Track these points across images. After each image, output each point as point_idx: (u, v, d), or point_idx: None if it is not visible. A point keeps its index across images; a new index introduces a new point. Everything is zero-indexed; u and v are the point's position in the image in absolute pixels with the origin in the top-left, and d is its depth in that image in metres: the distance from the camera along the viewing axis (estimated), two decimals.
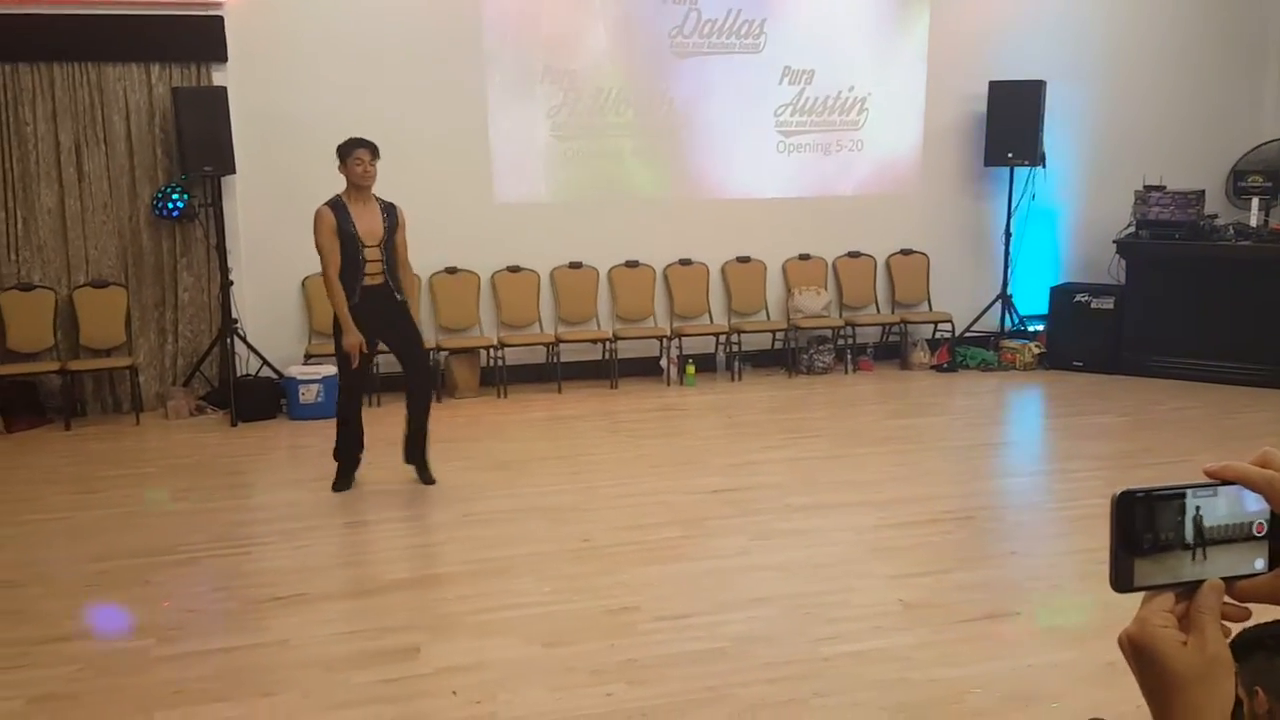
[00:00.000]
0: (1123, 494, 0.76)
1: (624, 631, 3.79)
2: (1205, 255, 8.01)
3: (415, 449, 5.58)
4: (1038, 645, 3.70)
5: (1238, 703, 1.98)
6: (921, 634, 3.76)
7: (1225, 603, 0.77)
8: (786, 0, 8.28)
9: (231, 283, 7.24)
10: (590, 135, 8.04)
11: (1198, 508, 0.76)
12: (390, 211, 5.38)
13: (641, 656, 3.59)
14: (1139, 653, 0.75)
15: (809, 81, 8.43)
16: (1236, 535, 0.77)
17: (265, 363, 7.38)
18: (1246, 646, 1.98)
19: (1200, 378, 7.80)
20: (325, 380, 7.06)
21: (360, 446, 5.57)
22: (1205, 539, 0.76)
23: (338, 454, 5.55)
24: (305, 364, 7.27)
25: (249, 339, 7.37)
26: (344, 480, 5.52)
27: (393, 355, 5.67)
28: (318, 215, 5.25)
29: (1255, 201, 8.32)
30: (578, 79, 7.93)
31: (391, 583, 4.28)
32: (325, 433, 6.72)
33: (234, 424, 6.97)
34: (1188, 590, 0.76)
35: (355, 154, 5.22)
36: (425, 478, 5.58)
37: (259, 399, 7.14)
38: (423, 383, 5.61)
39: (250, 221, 7.44)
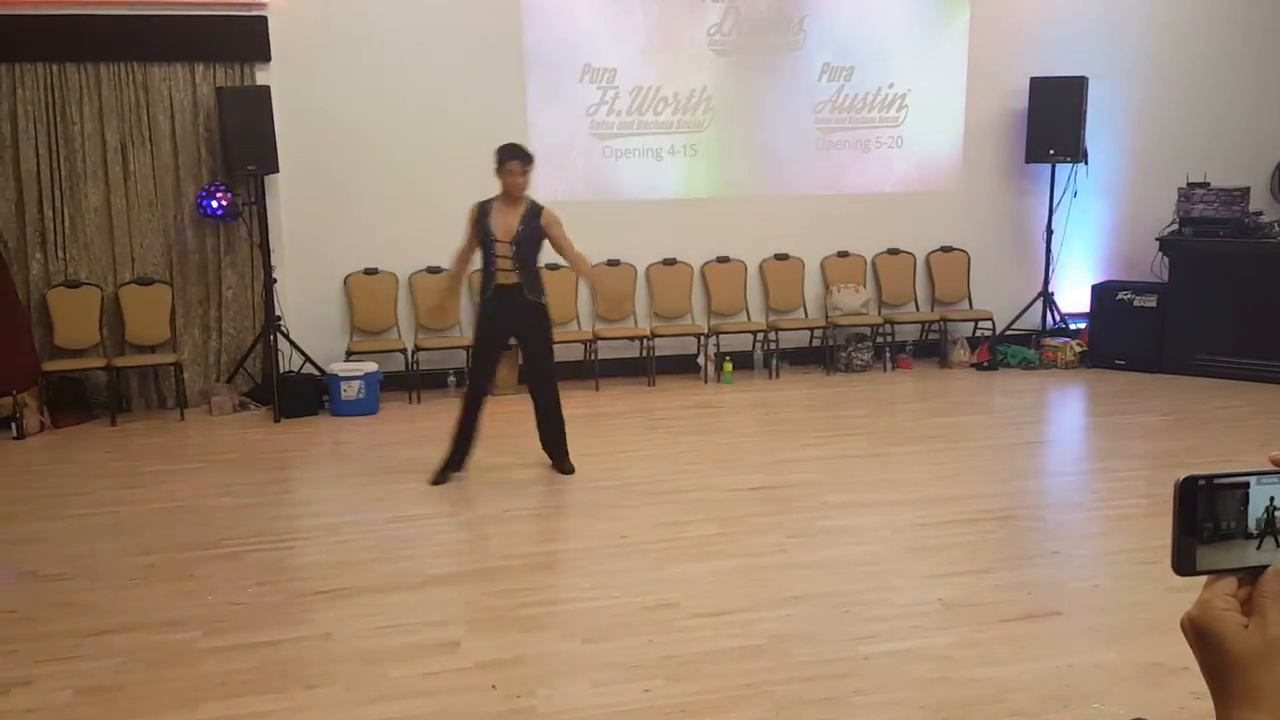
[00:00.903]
0: (1185, 480, 0.76)
1: (662, 628, 3.80)
2: (1250, 253, 7.89)
3: (547, 443, 5.81)
4: (1079, 645, 3.67)
5: None
6: (961, 633, 3.74)
7: None
8: None
9: (275, 280, 7.33)
10: (629, 133, 8.06)
11: (1271, 498, 0.76)
12: (535, 213, 5.56)
13: (680, 653, 3.61)
14: (1200, 634, 0.76)
15: (848, 78, 8.39)
16: None
17: (308, 359, 7.47)
18: None
19: (1245, 377, 7.69)
20: (367, 377, 7.15)
21: (470, 443, 5.65)
22: (1272, 527, 0.76)
23: (452, 452, 5.64)
24: (347, 361, 7.35)
25: (292, 336, 7.46)
26: (444, 474, 5.60)
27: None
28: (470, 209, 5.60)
29: None
30: (617, 77, 7.95)
31: (432, 577, 4.33)
32: (367, 428, 6.85)
33: (277, 420, 7.06)
34: (1251, 575, 0.76)
35: (508, 165, 5.48)
36: (561, 468, 5.76)
37: (302, 396, 7.22)
38: (538, 387, 5.77)
39: (293, 219, 7.53)
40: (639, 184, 8.14)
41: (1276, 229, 7.97)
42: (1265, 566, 0.76)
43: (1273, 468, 0.77)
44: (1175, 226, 8.24)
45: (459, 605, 4.04)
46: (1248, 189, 8.17)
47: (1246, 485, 0.76)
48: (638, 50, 7.98)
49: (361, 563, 4.52)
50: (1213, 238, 8.02)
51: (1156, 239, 8.30)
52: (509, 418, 7.11)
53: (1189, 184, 8.22)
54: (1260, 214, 8.21)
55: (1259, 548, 0.76)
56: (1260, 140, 9.01)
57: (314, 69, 7.42)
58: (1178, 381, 7.75)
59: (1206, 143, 8.73)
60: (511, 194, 5.50)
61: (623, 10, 7.93)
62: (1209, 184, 8.17)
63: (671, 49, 8.04)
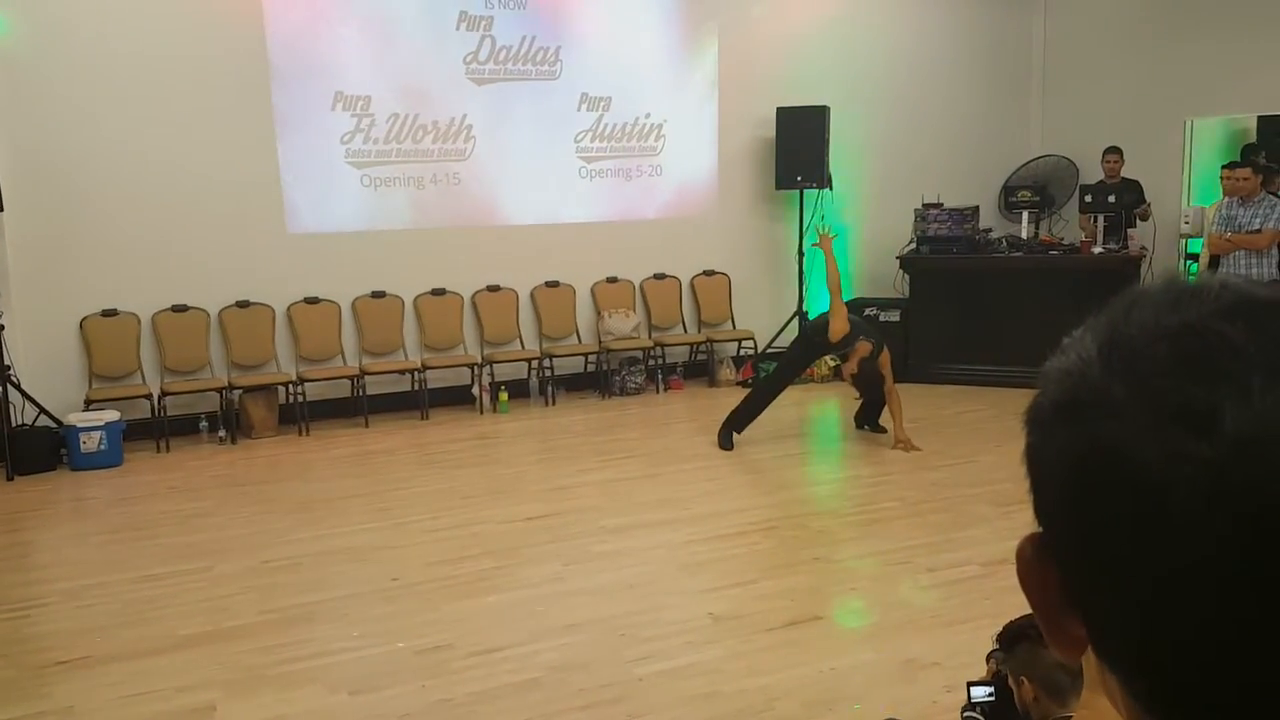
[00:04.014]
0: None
1: (435, 671, 3.71)
2: (981, 267, 8.55)
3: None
4: (839, 648, 3.84)
5: (1008, 689, 2.11)
6: (730, 645, 3.84)
7: None
8: (580, 28, 8.39)
9: (1, 326, 6.73)
10: (388, 162, 7.90)
11: None
12: None
13: (454, 695, 3.52)
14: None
15: (607, 109, 8.55)
16: None
17: (42, 410, 6.87)
18: (1012, 638, 2.12)
19: (981, 382, 8.30)
20: (108, 427, 6.66)
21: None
22: None
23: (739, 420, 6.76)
24: (86, 410, 6.82)
25: (23, 386, 6.85)
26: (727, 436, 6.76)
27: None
28: None
29: (1025, 215, 8.98)
30: (372, 105, 7.78)
31: (184, 639, 4.05)
32: (110, 482, 6.39)
33: (9, 478, 6.46)
34: None
35: None
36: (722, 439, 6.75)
37: (36, 450, 6.65)
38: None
39: (21, 261, 6.94)
40: (402, 213, 7.99)
41: (1004, 244, 8.69)
42: None
43: None
44: (914, 245, 8.84)
45: (214, 666, 3.79)
46: (977, 208, 8.86)
47: None
48: (392, 78, 7.84)
49: (106, 628, 4.19)
50: (947, 254, 8.65)
51: (897, 257, 8.87)
52: (268, 460, 6.80)
53: (924, 205, 8.83)
54: (989, 231, 8.93)
55: None
56: (988, 162, 9.83)
57: (39, 100, 6.87)
58: (923, 389, 8.27)
59: (939, 166, 9.42)
60: None
61: (373, 37, 7.77)
62: (942, 204, 8.81)
63: (427, 77, 7.95)
